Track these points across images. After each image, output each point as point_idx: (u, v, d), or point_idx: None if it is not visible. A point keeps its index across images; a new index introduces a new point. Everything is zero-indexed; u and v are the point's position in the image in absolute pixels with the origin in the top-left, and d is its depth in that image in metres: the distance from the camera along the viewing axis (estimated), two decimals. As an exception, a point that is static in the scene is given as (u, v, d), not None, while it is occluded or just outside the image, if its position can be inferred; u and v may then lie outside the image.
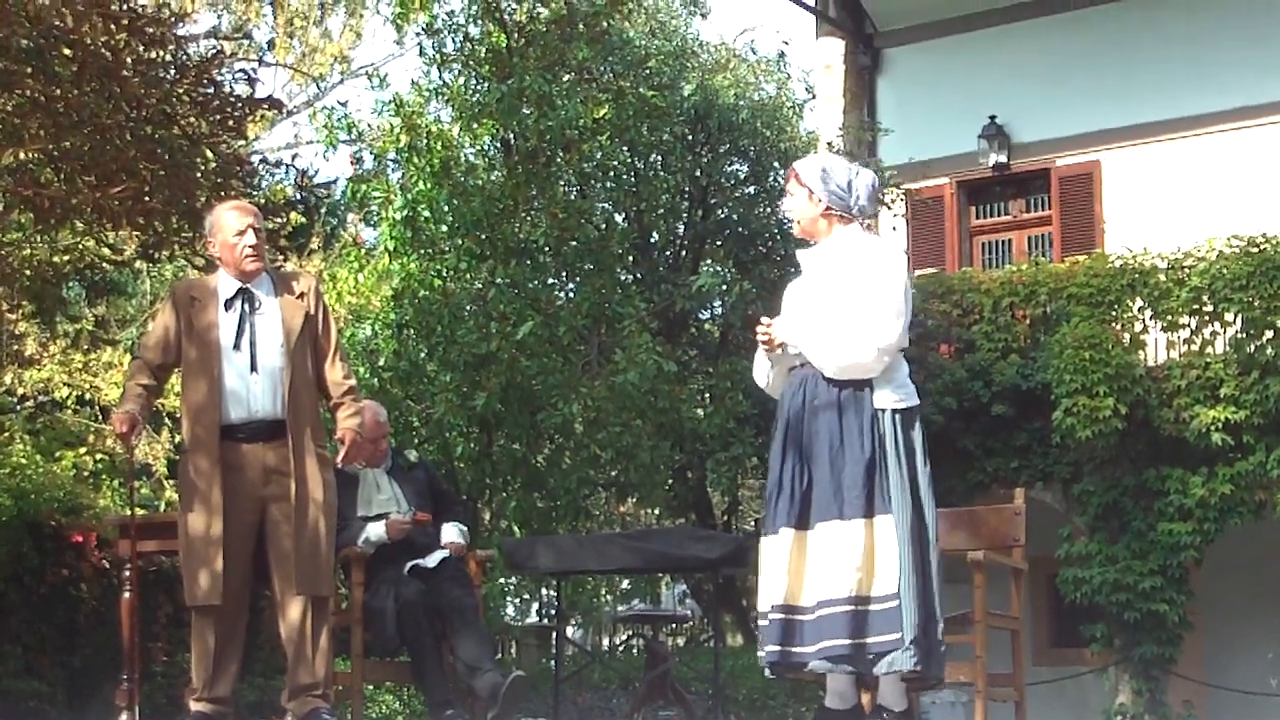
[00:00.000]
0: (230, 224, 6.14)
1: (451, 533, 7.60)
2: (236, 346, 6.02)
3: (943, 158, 15.22)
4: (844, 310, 4.99)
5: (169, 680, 11.34)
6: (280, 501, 5.98)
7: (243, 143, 11.83)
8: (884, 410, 5.01)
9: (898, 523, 4.90)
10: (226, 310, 6.08)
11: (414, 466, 7.96)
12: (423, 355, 11.97)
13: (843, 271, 5.10)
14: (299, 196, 20.18)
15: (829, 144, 14.86)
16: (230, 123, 10.22)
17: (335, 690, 7.61)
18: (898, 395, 5.06)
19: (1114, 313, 13.26)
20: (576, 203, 13.61)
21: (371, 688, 12.80)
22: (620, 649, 15.68)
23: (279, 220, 12.81)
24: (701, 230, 16.08)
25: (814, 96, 18.24)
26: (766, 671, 5.16)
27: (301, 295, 6.18)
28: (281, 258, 15.74)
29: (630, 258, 15.41)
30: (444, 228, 12.28)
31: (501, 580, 12.65)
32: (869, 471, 4.92)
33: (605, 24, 13.64)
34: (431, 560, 7.45)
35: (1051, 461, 13.45)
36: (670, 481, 14.37)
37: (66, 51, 9.12)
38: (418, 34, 13.80)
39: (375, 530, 7.39)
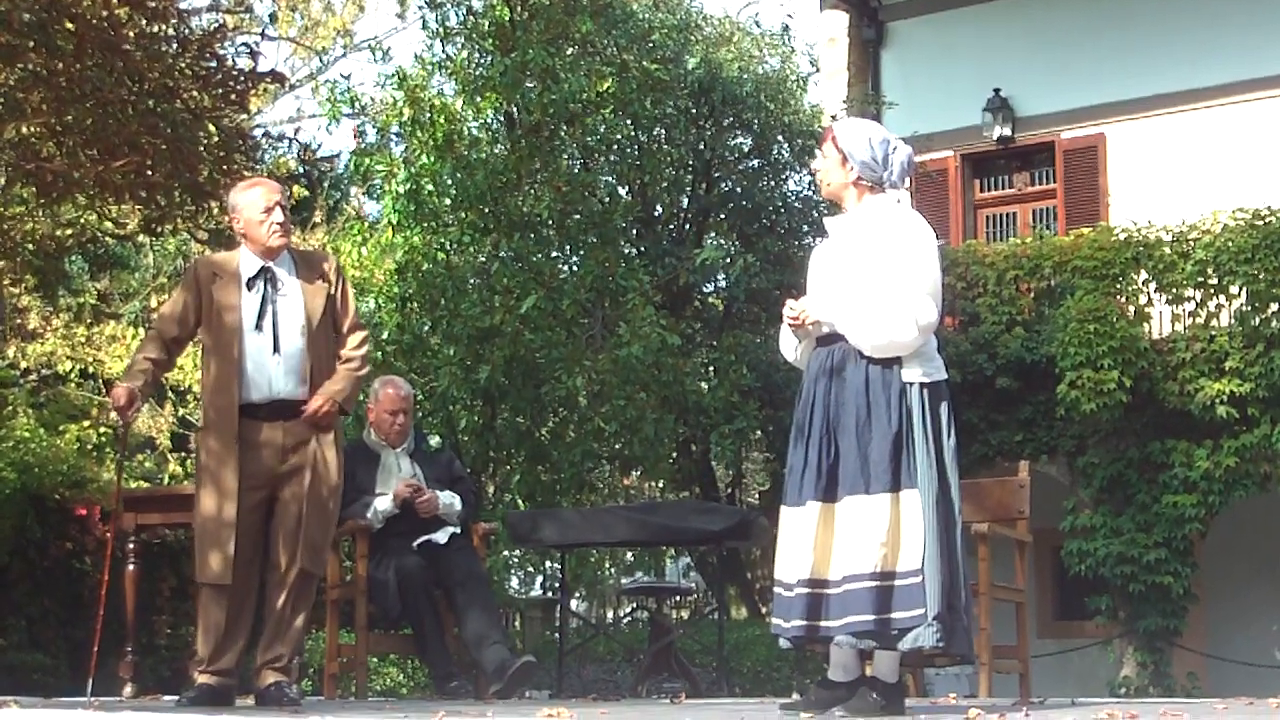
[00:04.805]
0: (257, 201, 6.12)
1: (441, 496, 7.55)
2: (258, 327, 6.00)
3: (947, 131, 15.18)
4: (877, 285, 4.94)
5: (172, 653, 11.39)
6: (292, 479, 6.00)
7: (245, 116, 11.80)
8: (912, 384, 4.95)
9: (924, 498, 4.84)
10: (248, 290, 6.05)
11: (437, 451, 7.95)
12: (426, 329, 11.94)
13: (871, 243, 5.03)
14: (302, 170, 20.17)
15: (833, 117, 14.80)
16: (232, 96, 10.20)
17: (341, 663, 7.65)
18: (926, 369, 4.99)
19: (1118, 286, 13.22)
20: (580, 176, 13.54)
21: (376, 660, 12.83)
22: (624, 622, 15.67)
23: (282, 194, 12.80)
24: (705, 204, 16.00)
25: (818, 70, 18.15)
26: (781, 642, 5.13)
27: (323, 276, 6.17)
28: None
29: (634, 231, 15.34)
30: (447, 201, 12.24)
31: (505, 553, 12.64)
32: (896, 446, 4.86)
33: (608, -3, 13.58)
34: (441, 536, 7.45)
35: (1056, 434, 13.43)
36: (674, 455, 14.31)
37: (68, 25, 9.10)
38: (420, 7, 13.76)
39: (383, 503, 7.39)
